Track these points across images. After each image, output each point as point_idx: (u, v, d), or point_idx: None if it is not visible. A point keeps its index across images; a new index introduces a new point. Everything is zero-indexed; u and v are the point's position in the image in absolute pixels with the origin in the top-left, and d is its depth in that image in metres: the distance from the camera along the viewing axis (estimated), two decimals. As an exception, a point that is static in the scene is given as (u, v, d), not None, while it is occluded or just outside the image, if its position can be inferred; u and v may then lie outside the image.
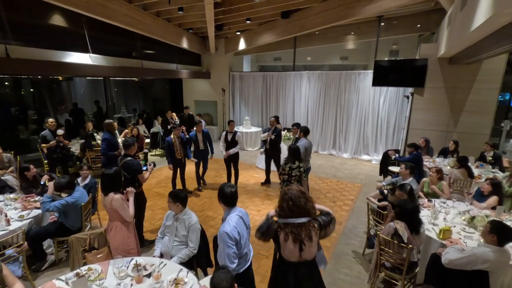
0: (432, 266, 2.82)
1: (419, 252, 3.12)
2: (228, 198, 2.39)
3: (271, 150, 6.40)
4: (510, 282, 2.64)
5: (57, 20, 6.42)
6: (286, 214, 2.03)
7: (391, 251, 2.93)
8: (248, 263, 2.53)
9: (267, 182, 6.81)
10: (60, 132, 5.92)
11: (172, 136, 5.60)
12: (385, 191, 3.85)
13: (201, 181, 6.58)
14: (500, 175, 5.08)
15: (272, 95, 10.50)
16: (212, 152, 6.36)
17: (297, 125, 6.14)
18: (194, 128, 6.17)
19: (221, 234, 2.24)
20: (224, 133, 6.27)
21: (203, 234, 3.04)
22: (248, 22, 8.35)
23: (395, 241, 2.84)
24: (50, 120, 6.05)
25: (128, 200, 3.04)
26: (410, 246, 2.75)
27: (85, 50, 6.95)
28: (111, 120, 5.46)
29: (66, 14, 6.36)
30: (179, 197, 2.82)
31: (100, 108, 10.35)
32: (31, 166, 4.44)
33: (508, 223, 2.84)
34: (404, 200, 3.10)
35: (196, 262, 2.99)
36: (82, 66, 6.69)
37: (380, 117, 8.64)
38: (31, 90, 9.11)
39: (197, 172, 6.37)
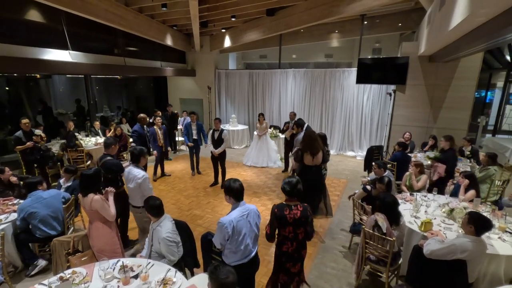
0: (414, 258, 2.91)
1: (401, 245, 3.23)
2: (236, 192, 2.43)
3: (291, 140, 6.96)
4: (486, 270, 2.78)
5: (33, 15, 6.15)
6: (307, 143, 4.42)
7: (375, 244, 3.02)
8: (245, 260, 2.50)
9: (286, 170, 7.57)
10: (38, 132, 5.66)
11: (155, 127, 6.47)
12: (368, 187, 3.95)
13: (196, 169, 7.26)
14: (477, 168, 5.27)
15: (258, 92, 10.50)
16: (206, 142, 6.85)
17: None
18: (188, 119, 7.04)
19: (218, 221, 2.39)
20: (211, 131, 6.24)
21: (189, 234, 3.01)
22: (233, 19, 8.29)
23: (376, 233, 2.96)
24: (24, 120, 5.53)
25: (108, 200, 2.96)
26: (394, 238, 2.84)
27: (64, 47, 6.69)
28: (144, 114, 6.20)
29: (43, 8, 6.10)
30: (147, 205, 2.68)
31: (81, 107, 10.01)
32: (6, 169, 4.19)
33: (485, 214, 2.98)
34: (384, 194, 3.21)
35: (183, 263, 2.96)
36: (61, 64, 6.44)
37: (364, 114, 8.82)
38: (7, 88, 8.69)
39: (191, 159, 7.07)
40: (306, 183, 3.86)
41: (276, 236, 2.69)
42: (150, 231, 2.79)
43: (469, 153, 5.99)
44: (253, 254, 2.57)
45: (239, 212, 2.43)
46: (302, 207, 2.61)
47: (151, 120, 8.52)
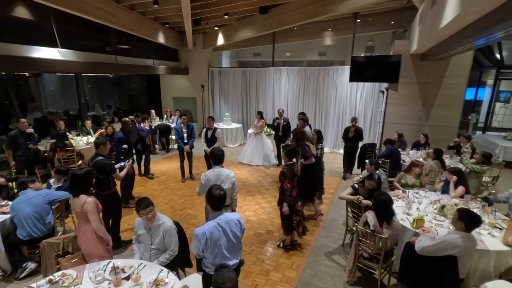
0: (406, 254, 2.94)
1: (395, 244, 3.18)
2: (214, 200, 2.33)
3: (282, 135, 7.32)
4: (477, 265, 2.82)
5: (21, 12, 6.00)
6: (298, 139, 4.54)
7: (368, 241, 3.04)
8: None
9: (281, 163, 7.75)
10: (30, 130, 5.59)
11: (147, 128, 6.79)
12: (356, 186, 3.96)
13: (189, 174, 6.89)
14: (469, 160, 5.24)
15: (252, 90, 10.47)
16: (189, 144, 6.44)
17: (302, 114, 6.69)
18: (179, 121, 6.95)
19: (194, 232, 2.29)
20: (204, 130, 6.19)
21: (182, 233, 2.98)
22: (226, 17, 8.24)
23: (368, 230, 2.98)
24: (22, 120, 5.52)
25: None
26: (385, 236, 2.86)
27: (54, 45, 6.56)
28: (127, 118, 5.52)
29: (30, 5, 5.96)
30: (140, 206, 2.62)
31: (69, 114, 9.80)
32: None
33: (475, 211, 3.02)
34: (378, 193, 3.23)
35: (176, 262, 2.94)
36: (50, 62, 6.31)
37: (357, 112, 8.87)
38: (-4, 87, 8.49)
39: (181, 164, 6.64)
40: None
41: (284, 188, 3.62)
42: (146, 233, 2.74)
43: (466, 150, 6.02)
44: (231, 265, 2.39)
45: (215, 222, 2.29)
46: (296, 164, 3.91)
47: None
